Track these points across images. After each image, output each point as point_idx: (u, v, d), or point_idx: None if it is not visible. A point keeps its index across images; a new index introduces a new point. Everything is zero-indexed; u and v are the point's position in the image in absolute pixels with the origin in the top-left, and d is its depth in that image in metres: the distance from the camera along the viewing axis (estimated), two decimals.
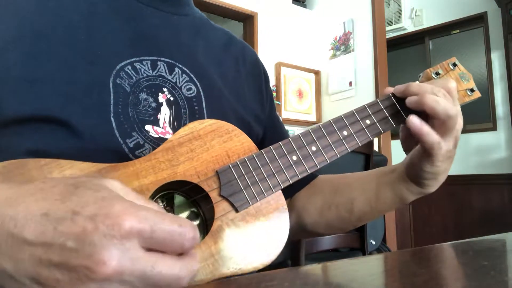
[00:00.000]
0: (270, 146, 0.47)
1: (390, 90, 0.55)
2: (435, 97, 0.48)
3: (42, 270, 0.26)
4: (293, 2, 3.70)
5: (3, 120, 0.44)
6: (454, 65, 0.58)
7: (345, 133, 0.51)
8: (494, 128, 3.56)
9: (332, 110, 3.58)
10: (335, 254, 1.82)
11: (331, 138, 0.50)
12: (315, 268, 0.37)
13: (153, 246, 0.27)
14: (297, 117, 3.51)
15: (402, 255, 0.45)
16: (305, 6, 3.81)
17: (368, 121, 0.52)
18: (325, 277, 0.33)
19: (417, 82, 0.55)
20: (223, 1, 3.18)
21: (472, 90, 0.57)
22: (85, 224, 0.26)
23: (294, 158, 0.48)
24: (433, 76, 0.57)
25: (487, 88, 3.60)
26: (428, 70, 0.58)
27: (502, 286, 0.27)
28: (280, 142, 0.48)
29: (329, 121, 0.51)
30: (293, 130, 3.28)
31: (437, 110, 0.48)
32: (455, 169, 3.70)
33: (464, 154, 3.66)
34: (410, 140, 0.54)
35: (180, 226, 0.28)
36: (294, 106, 3.50)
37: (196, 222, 0.46)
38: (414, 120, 0.49)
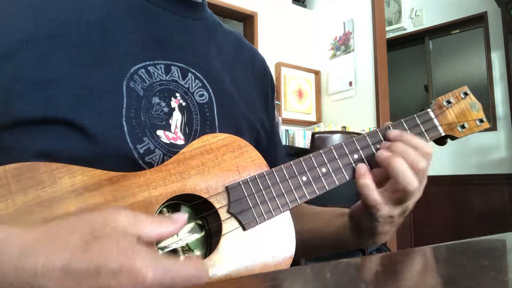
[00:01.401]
0: (281, 165, 0.48)
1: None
2: (403, 165, 0.47)
3: None
4: (293, 2, 3.70)
5: (14, 120, 0.43)
6: (465, 94, 0.58)
7: (355, 156, 0.51)
8: (494, 128, 3.56)
9: (332, 110, 3.58)
10: (335, 254, 1.82)
11: (341, 161, 0.50)
12: (315, 268, 0.37)
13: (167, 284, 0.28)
14: (297, 117, 3.51)
15: (402, 255, 0.45)
16: (305, 6, 3.81)
17: (379, 146, 0.52)
18: (325, 277, 0.33)
19: (401, 131, 0.52)
20: (223, 1, 3.18)
21: (481, 121, 0.57)
22: (109, 281, 0.26)
23: (304, 179, 0.48)
24: (445, 104, 0.57)
25: (487, 88, 3.60)
26: (440, 98, 0.58)
27: (502, 286, 0.27)
28: (291, 162, 0.48)
29: (341, 143, 0.51)
30: (293, 130, 3.28)
31: (398, 180, 0.47)
32: (455, 169, 3.70)
33: (464, 154, 3.67)
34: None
35: (197, 269, 0.30)
36: (294, 106, 3.50)
37: (201, 234, 0.46)
38: (359, 168, 0.49)
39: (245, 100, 0.61)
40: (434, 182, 3.63)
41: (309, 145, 2.56)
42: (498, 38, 3.54)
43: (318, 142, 2.15)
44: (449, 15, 3.89)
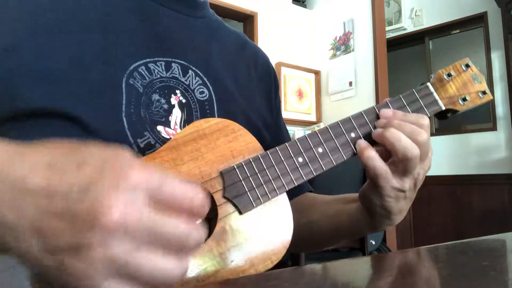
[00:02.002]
0: (276, 147, 0.46)
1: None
2: (398, 133, 0.46)
3: (45, 220, 0.25)
4: (293, 2, 3.70)
5: (15, 113, 0.44)
6: (467, 66, 0.56)
7: (352, 135, 0.49)
8: (494, 128, 3.56)
9: (332, 110, 3.58)
10: (335, 254, 1.82)
11: (338, 140, 0.49)
12: (315, 268, 0.37)
13: (162, 201, 0.26)
14: (297, 117, 3.51)
15: (402, 255, 0.45)
16: (305, 6, 3.81)
17: (376, 123, 0.50)
18: (325, 277, 0.33)
19: (393, 110, 0.51)
20: (223, 1, 3.18)
21: (484, 93, 0.55)
22: (91, 173, 0.25)
23: (300, 160, 0.47)
24: (445, 77, 0.55)
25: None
26: (440, 71, 0.56)
27: (502, 286, 0.27)
28: (286, 143, 0.47)
29: (337, 122, 0.50)
30: (293, 130, 3.28)
31: (395, 148, 0.45)
32: (455, 169, 3.70)
33: (464, 154, 3.66)
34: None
35: (192, 188, 0.27)
36: (294, 106, 3.50)
37: (198, 221, 0.46)
38: (360, 143, 0.48)
39: (247, 98, 0.61)
40: (434, 182, 3.63)
41: None
42: (498, 38, 3.54)
43: None
44: (449, 15, 3.88)
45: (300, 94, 3.56)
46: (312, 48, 3.71)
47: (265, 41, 3.38)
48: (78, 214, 0.24)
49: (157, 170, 0.26)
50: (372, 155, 0.47)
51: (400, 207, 0.50)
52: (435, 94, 0.54)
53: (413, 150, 0.45)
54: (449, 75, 0.55)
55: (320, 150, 0.48)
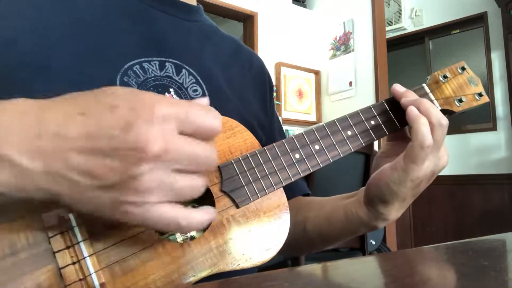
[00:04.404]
0: (273, 144, 0.47)
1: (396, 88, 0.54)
2: (430, 104, 0.48)
3: (94, 161, 0.28)
4: (293, 2, 3.70)
5: None
6: (463, 69, 0.58)
7: (349, 133, 0.51)
8: (494, 128, 3.56)
9: (332, 110, 3.58)
10: (335, 254, 1.82)
11: (334, 138, 0.50)
12: (315, 268, 0.37)
13: (189, 129, 0.30)
14: (297, 117, 3.51)
15: (402, 255, 0.45)
16: (305, 6, 3.81)
17: (373, 122, 0.52)
18: (325, 277, 0.33)
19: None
20: (223, 1, 3.18)
21: (480, 95, 0.57)
22: (125, 114, 0.28)
23: (297, 156, 0.48)
24: (441, 79, 0.56)
25: (487, 88, 3.60)
26: (436, 73, 0.58)
27: (502, 286, 0.27)
28: (283, 140, 0.48)
29: (333, 120, 0.51)
30: (293, 130, 3.28)
31: (431, 117, 0.47)
32: (455, 169, 3.70)
33: (464, 154, 3.66)
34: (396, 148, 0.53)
35: (210, 109, 0.32)
36: (294, 106, 3.50)
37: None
38: (412, 109, 0.48)
39: (240, 98, 0.62)
40: (434, 182, 3.61)
41: None
42: (498, 38, 3.54)
43: None
44: (449, 15, 3.89)
45: (300, 94, 3.56)
46: (312, 48, 3.71)
47: (265, 41, 3.38)
48: (125, 151, 0.27)
49: (181, 102, 0.31)
50: (424, 121, 0.47)
51: (406, 196, 0.49)
52: (430, 94, 0.55)
53: (445, 119, 0.47)
54: (445, 76, 0.57)
55: (317, 147, 0.49)
